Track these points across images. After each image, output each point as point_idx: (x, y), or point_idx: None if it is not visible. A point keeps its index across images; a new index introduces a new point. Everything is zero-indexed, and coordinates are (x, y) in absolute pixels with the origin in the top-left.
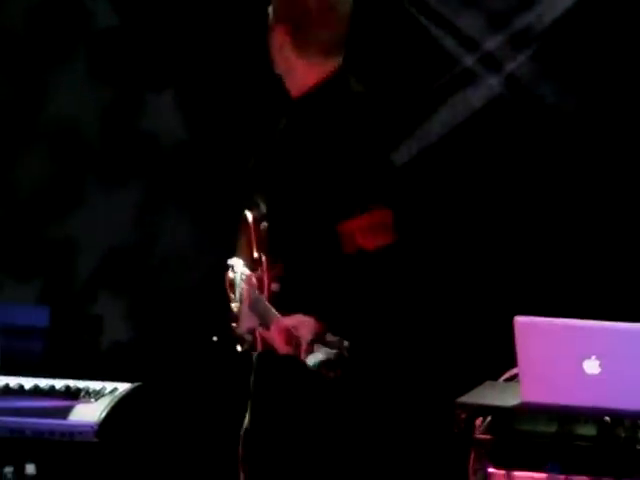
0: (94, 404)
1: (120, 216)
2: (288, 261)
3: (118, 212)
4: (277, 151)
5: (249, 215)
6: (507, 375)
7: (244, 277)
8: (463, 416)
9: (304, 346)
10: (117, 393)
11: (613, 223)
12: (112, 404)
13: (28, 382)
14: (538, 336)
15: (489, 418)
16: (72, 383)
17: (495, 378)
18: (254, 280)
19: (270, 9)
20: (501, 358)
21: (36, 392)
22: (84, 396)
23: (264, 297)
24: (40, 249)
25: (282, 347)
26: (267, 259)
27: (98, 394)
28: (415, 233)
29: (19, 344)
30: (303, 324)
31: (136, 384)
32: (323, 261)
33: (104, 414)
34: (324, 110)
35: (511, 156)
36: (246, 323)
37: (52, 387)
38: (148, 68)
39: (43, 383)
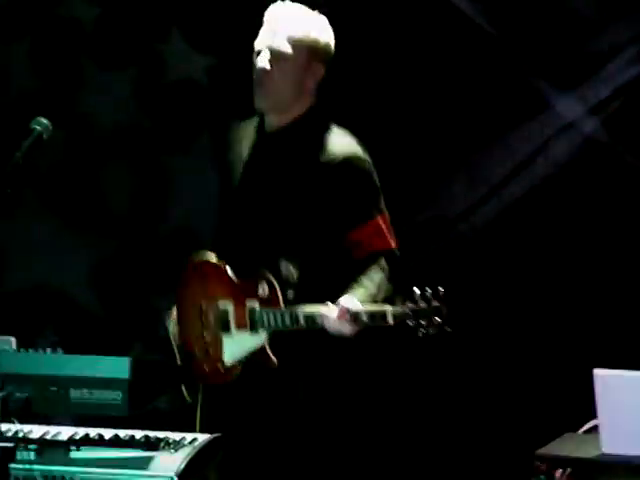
0: (174, 455)
1: None
2: (304, 267)
3: None
4: (266, 177)
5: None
6: (587, 427)
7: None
8: (543, 467)
9: (364, 317)
10: (196, 444)
11: None
12: (192, 455)
13: (108, 432)
14: (617, 388)
15: (569, 470)
16: (152, 433)
17: (575, 430)
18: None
19: (293, 39)
20: (581, 410)
21: (116, 442)
22: (164, 447)
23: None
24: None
25: (348, 328)
26: (249, 283)
27: (178, 445)
28: (494, 282)
29: (99, 395)
30: (348, 301)
31: (215, 435)
32: (337, 265)
33: (184, 465)
34: (309, 138)
35: (591, 209)
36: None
37: (132, 437)
38: None
39: (123, 433)
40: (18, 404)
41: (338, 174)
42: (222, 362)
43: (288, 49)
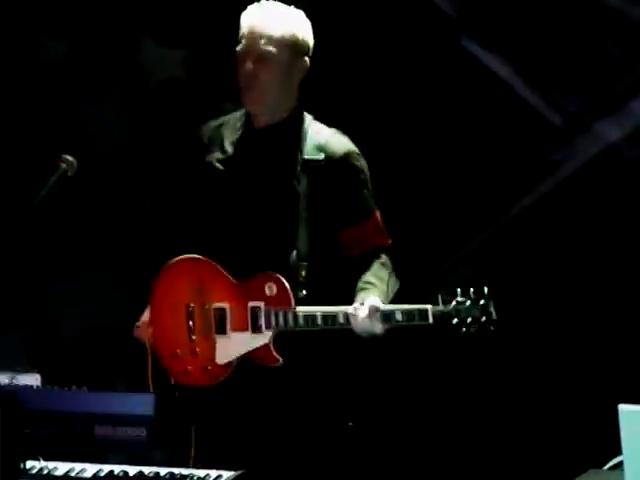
0: None
1: None
2: (312, 266)
3: None
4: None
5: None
6: (612, 463)
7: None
8: None
9: (399, 316)
10: None
11: None
12: None
13: (132, 469)
14: None
15: None
16: (177, 470)
17: (600, 466)
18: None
19: (273, 38)
20: (606, 446)
21: (140, 479)
22: None
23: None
24: None
25: (379, 327)
26: (251, 284)
27: None
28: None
29: (124, 432)
30: (375, 301)
31: (240, 472)
32: (342, 263)
33: None
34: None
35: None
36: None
37: (157, 474)
38: None
39: (147, 470)
40: (43, 441)
41: (339, 170)
42: (213, 363)
43: (271, 49)
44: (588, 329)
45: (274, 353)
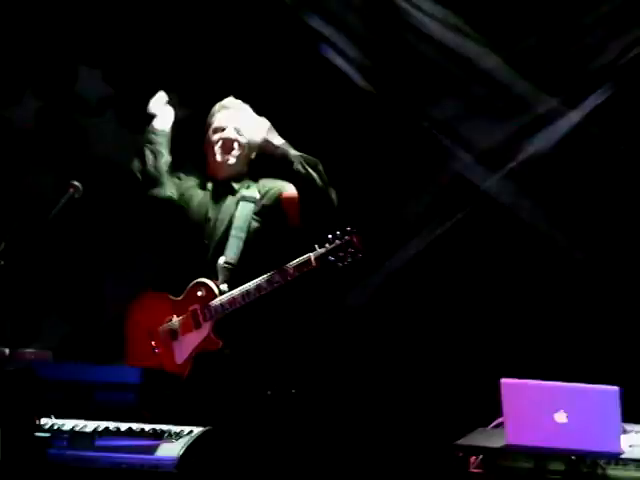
0: (175, 443)
1: None
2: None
3: None
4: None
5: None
6: (495, 423)
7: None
8: (460, 454)
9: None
10: (193, 434)
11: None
12: (189, 443)
13: (123, 425)
14: (519, 394)
15: (480, 456)
16: (158, 426)
17: (485, 425)
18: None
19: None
20: (490, 410)
21: (129, 433)
22: (167, 437)
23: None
24: None
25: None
26: (187, 294)
27: (178, 435)
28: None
29: (118, 396)
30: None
31: (208, 427)
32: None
33: (182, 451)
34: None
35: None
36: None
37: (142, 429)
38: None
39: (135, 426)
40: (54, 404)
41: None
42: (174, 364)
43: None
44: (482, 313)
45: (214, 338)
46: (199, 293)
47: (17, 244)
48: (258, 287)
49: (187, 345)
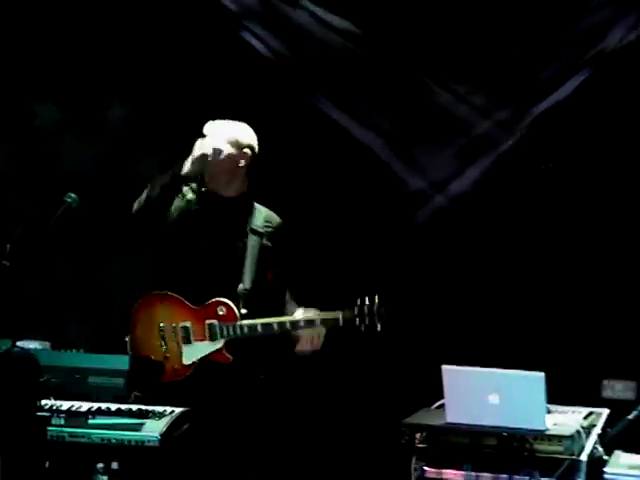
0: (158, 421)
1: None
2: (252, 294)
3: None
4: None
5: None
6: (437, 404)
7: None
8: (407, 431)
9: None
10: (174, 414)
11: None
12: (170, 421)
13: (114, 406)
14: (458, 378)
15: (425, 433)
16: (144, 407)
17: (429, 406)
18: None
19: (233, 142)
20: (433, 393)
21: (119, 413)
22: (151, 416)
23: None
24: None
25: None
26: (207, 307)
27: (161, 415)
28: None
29: (109, 380)
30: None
31: (186, 408)
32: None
33: (165, 428)
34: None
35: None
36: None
37: (130, 409)
38: None
39: (124, 407)
40: (53, 386)
41: (276, 233)
42: (179, 363)
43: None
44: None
45: (226, 354)
46: (220, 312)
47: (22, 246)
48: (280, 325)
49: (198, 351)
